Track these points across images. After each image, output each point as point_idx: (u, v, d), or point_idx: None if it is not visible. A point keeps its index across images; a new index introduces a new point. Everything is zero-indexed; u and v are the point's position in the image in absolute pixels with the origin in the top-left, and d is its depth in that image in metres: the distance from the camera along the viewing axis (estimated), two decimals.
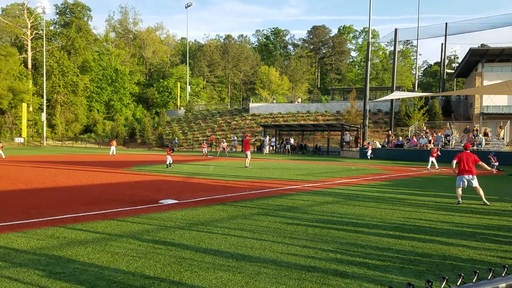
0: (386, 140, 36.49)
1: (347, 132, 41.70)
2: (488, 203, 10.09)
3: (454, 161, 10.71)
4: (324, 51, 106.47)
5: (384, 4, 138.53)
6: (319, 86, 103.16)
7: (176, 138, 51.61)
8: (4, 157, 27.78)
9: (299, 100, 63.32)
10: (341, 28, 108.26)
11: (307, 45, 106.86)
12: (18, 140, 57.20)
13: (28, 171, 18.24)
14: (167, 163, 20.74)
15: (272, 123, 49.07)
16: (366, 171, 20.52)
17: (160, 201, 10.03)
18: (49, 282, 4.42)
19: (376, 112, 51.02)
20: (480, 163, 10.65)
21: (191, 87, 79.14)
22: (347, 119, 46.00)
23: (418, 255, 5.71)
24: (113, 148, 34.27)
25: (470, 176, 10.23)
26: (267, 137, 42.62)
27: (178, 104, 74.58)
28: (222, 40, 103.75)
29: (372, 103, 49.44)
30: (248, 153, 21.74)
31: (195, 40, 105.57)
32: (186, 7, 74.10)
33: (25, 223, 7.42)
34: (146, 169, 20.38)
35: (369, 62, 39.41)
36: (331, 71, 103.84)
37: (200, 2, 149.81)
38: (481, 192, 10.24)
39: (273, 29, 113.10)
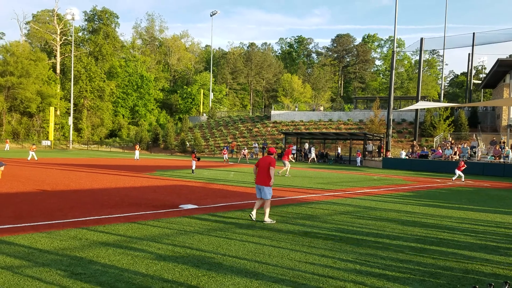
0: (410, 151, 35.82)
1: (370, 142, 41.18)
2: None
3: None
4: (348, 60, 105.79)
5: (410, 14, 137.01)
6: (342, 94, 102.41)
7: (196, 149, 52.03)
8: (36, 159, 28.62)
9: (321, 108, 62.97)
10: (366, 36, 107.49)
11: (330, 53, 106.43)
12: (45, 143, 58.89)
13: (54, 173, 18.74)
14: (193, 168, 21.10)
15: (294, 131, 48.92)
16: (389, 182, 20.18)
17: (180, 206, 10.14)
18: (70, 282, 4.53)
19: (400, 122, 50.22)
20: None
21: (214, 94, 79.91)
22: (370, 128, 45.43)
23: (440, 268, 5.58)
24: (137, 152, 34.82)
25: None
26: (307, 145, 42.37)
27: (201, 111, 75.36)
28: (246, 48, 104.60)
29: (396, 112, 48.71)
30: (287, 162, 21.53)
31: (219, 48, 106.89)
32: (211, 15, 75.14)
33: (49, 224, 7.63)
34: (168, 174, 20.63)
35: (393, 71, 38.90)
36: (354, 79, 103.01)
37: (224, 10, 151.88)
38: None
39: (296, 37, 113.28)
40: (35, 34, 72.46)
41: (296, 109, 64.14)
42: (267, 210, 8.48)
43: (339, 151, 41.36)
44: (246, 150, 37.74)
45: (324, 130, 49.50)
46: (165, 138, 58.02)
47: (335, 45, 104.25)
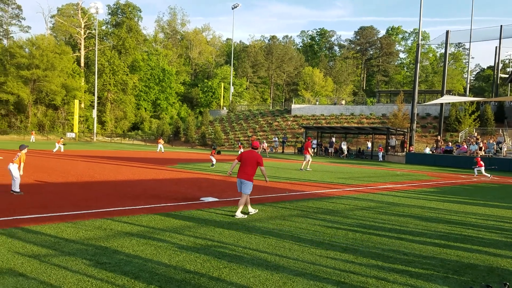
0: (435, 146, 35.08)
1: (393, 136, 40.53)
2: None
3: None
4: (371, 53, 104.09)
5: (435, 6, 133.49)
6: (364, 88, 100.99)
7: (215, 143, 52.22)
8: (62, 150, 29.35)
9: (343, 102, 62.26)
10: (390, 29, 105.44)
11: (353, 46, 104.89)
12: (69, 135, 60.28)
13: (79, 165, 19.19)
14: (213, 162, 21.22)
15: (314, 125, 48.59)
16: (412, 177, 19.84)
17: (201, 199, 10.24)
18: (95, 271, 4.64)
19: (424, 116, 49.21)
20: None
21: (234, 88, 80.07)
22: (393, 122, 44.68)
23: (464, 265, 5.46)
24: (160, 146, 35.26)
25: None
26: (333, 139, 42.14)
27: (221, 104, 75.68)
28: (267, 41, 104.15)
29: (421, 106, 47.70)
30: (308, 156, 21.33)
31: (240, 41, 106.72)
32: (232, 8, 75.09)
33: (75, 214, 7.83)
34: (189, 167, 20.84)
35: (418, 64, 38.06)
36: (378, 72, 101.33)
37: (246, 3, 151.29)
38: None
39: (318, 30, 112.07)
40: (60, 28, 73.94)
41: (317, 102, 63.63)
42: (242, 206, 8.24)
43: (369, 145, 40.47)
44: (266, 144, 37.70)
45: (345, 124, 48.97)
46: (186, 132, 58.57)
47: (358, 37, 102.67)
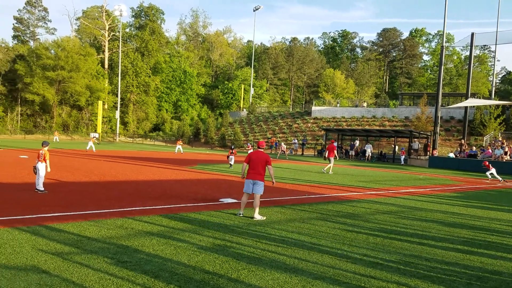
0: (459, 150, 34.29)
1: (415, 140, 39.82)
2: None
3: None
4: (394, 54, 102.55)
5: (460, 8, 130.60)
6: (387, 90, 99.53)
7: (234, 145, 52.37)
8: (94, 150, 29.85)
9: (365, 104, 61.55)
10: (413, 31, 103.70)
11: (376, 47, 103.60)
12: (93, 135, 61.45)
13: (102, 164, 19.56)
14: (231, 163, 21.32)
15: (335, 127, 48.21)
16: (435, 181, 19.44)
17: (220, 200, 10.28)
18: (116, 269, 4.71)
19: (448, 120, 48.18)
20: None
21: (254, 90, 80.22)
22: (416, 125, 43.90)
23: (487, 272, 5.31)
24: (179, 147, 35.62)
25: None
26: (357, 142, 41.78)
27: (241, 106, 75.91)
28: (288, 43, 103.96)
29: (445, 109, 46.70)
30: (332, 159, 21.10)
31: (261, 43, 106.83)
32: (254, 10, 75.28)
33: (97, 213, 7.98)
34: (208, 168, 20.98)
35: (442, 66, 37.28)
36: (400, 75, 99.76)
37: (267, 5, 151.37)
38: None
39: (340, 32, 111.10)
40: (85, 30, 75.59)
41: (338, 105, 63.12)
42: (258, 207, 8.18)
43: (396, 149, 39.59)
44: (284, 146, 37.59)
45: (367, 127, 48.41)
46: (206, 133, 58.99)
47: (381, 39, 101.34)
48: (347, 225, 7.96)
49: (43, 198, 9.31)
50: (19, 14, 74.52)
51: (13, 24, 75.10)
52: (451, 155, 33.76)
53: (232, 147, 23.63)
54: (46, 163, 9.97)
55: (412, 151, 37.86)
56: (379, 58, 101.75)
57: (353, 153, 40.08)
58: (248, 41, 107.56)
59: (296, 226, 7.61)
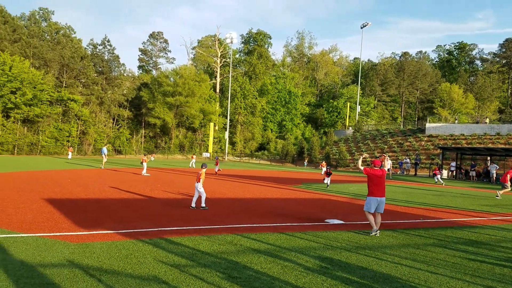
0: None
1: None
2: None
3: None
4: None
5: None
6: None
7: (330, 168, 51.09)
8: (194, 166, 32.16)
9: (487, 120, 55.48)
10: None
11: (498, 59, 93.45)
12: (205, 154, 65.75)
13: (212, 182, 20.71)
14: (326, 182, 20.81)
15: (453, 146, 44.22)
16: None
17: (326, 220, 10.08)
18: (228, 284, 4.89)
19: None
20: None
21: (361, 107, 78.06)
22: None
23: None
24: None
25: None
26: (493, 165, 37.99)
27: (347, 124, 74.32)
28: (398, 58, 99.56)
29: None
30: (508, 184, 19.13)
31: (368, 59, 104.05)
32: (361, 27, 73.84)
33: (208, 228, 8.42)
34: (312, 187, 20.81)
35: None
36: None
37: (375, 21, 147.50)
38: None
39: (457, 44, 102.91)
40: (199, 58, 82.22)
41: (456, 121, 57.95)
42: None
43: None
44: (390, 161, 35.28)
45: (490, 145, 43.47)
46: (310, 152, 58.83)
47: (504, 50, 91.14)
48: (468, 253, 7.16)
49: (166, 212, 10.18)
50: (143, 46, 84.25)
51: (139, 55, 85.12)
52: None
53: (328, 167, 22.55)
54: (200, 182, 11.04)
55: None
56: (502, 71, 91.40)
57: (474, 174, 36.19)
58: (355, 58, 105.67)
59: (410, 252, 7.08)
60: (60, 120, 56.55)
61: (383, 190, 8.59)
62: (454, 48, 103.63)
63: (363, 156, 9.80)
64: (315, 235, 8.21)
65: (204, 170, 11.08)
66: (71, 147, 48.76)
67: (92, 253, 6.03)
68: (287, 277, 5.25)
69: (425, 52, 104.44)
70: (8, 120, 50.00)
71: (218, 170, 27.68)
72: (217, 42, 78.75)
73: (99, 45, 66.37)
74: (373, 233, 8.40)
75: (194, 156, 39.12)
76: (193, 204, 11.11)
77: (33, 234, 7.09)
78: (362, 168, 9.00)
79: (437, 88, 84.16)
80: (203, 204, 10.99)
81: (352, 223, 9.99)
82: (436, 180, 27.72)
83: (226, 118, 69.28)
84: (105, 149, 28.96)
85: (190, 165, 36.30)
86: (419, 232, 9.19)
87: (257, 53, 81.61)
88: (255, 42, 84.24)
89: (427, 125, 55.32)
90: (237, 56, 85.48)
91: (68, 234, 7.29)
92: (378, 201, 8.48)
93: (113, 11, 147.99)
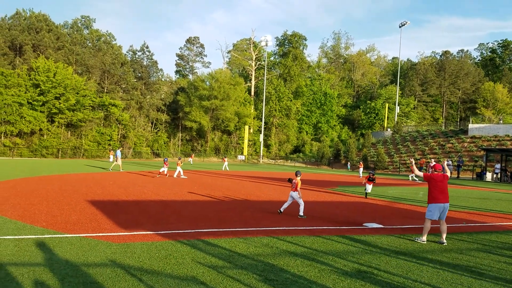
0: None
1: None
2: None
3: None
4: None
5: None
6: None
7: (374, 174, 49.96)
8: (228, 169, 32.39)
9: None
10: None
11: None
12: (240, 157, 66.22)
13: (247, 185, 20.83)
14: (367, 191, 17.50)
15: (497, 147, 42.23)
16: None
17: (364, 224, 9.89)
18: (264, 287, 4.91)
19: None
20: None
21: (400, 108, 76.04)
22: None
23: None
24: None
25: None
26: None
27: (385, 125, 72.60)
28: (438, 57, 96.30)
29: None
30: None
31: (407, 59, 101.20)
32: (400, 27, 72.07)
33: (244, 230, 8.47)
34: (349, 190, 20.47)
35: None
36: None
37: (414, 20, 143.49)
38: None
39: (500, 42, 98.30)
40: (234, 61, 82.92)
41: (500, 121, 55.29)
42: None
43: None
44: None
45: None
46: (346, 154, 57.91)
47: None
48: None
49: (201, 215, 10.35)
50: (180, 51, 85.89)
51: (176, 60, 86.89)
52: None
53: (371, 173, 17.43)
54: (298, 191, 10.73)
55: None
56: None
57: None
58: (393, 58, 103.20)
59: (453, 257, 6.82)
60: (101, 125, 58.71)
61: (447, 196, 8.12)
62: (498, 46, 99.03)
63: (411, 161, 9.42)
64: (352, 239, 8.08)
65: (299, 178, 10.87)
66: (112, 151, 50.52)
67: (133, 253, 6.22)
68: (324, 281, 5.20)
69: (467, 51, 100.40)
70: (53, 124, 52.53)
71: (162, 172, 24.05)
72: (252, 45, 79.18)
73: (138, 51, 68.38)
74: (419, 240, 8.13)
75: (226, 159, 39.34)
76: (282, 209, 10.96)
77: (77, 235, 7.40)
78: (421, 174, 8.75)
79: (480, 87, 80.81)
80: (301, 213, 10.68)
81: (391, 227, 9.75)
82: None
83: (261, 120, 69.45)
84: (119, 152, 29.29)
85: (223, 168, 36.07)
86: (462, 236, 8.85)
87: (292, 55, 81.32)
88: (290, 44, 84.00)
89: (470, 126, 53.16)
90: (272, 58, 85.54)
91: (110, 234, 7.56)
92: (442, 208, 8.03)
93: (152, 18, 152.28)
